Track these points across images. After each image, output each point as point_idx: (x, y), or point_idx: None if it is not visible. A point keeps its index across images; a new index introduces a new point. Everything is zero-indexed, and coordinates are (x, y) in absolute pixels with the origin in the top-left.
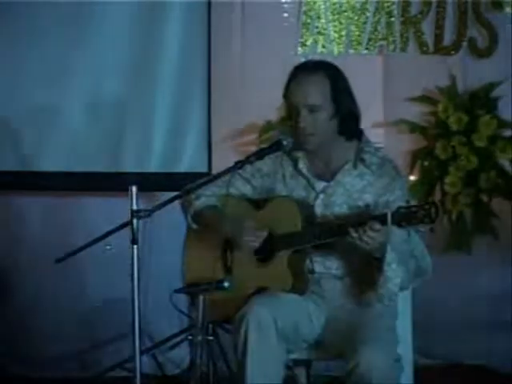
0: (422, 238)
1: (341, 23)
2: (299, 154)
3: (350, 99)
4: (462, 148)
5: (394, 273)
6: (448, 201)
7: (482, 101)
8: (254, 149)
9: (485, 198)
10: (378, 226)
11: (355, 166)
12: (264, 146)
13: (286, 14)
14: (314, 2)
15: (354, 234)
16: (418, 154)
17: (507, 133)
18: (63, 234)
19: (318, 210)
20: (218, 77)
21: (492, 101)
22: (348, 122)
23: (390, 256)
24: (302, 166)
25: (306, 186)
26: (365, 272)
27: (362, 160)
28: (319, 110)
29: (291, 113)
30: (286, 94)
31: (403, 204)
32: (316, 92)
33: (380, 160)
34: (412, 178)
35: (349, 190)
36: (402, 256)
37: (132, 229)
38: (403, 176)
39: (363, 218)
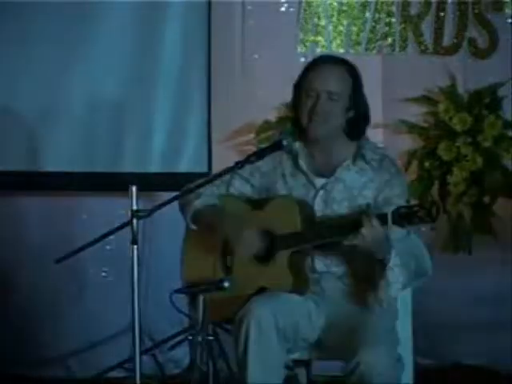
0: (421, 238)
1: (340, 23)
2: (299, 151)
3: (364, 101)
4: (467, 148)
5: (395, 277)
6: (449, 201)
7: (486, 101)
8: (253, 148)
9: (487, 199)
10: (378, 225)
11: (355, 163)
12: (263, 145)
13: (285, 14)
14: (314, 2)
15: (354, 234)
16: (415, 154)
17: (510, 133)
18: (63, 234)
19: (318, 207)
20: (217, 77)
21: (497, 101)
22: (358, 122)
23: (393, 260)
24: (301, 162)
25: (305, 183)
26: (365, 272)
27: (362, 156)
28: (337, 99)
29: (304, 100)
30: (303, 81)
31: (403, 201)
32: (339, 81)
33: (380, 156)
34: (411, 178)
35: (349, 187)
36: (404, 259)
37: (132, 229)
38: (403, 173)
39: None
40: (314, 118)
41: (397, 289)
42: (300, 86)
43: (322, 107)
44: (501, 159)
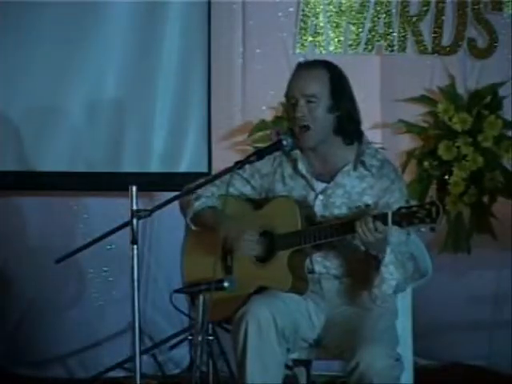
0: (421, 238)
1: (339, 23)
2: (298, 155)
3: (350, 99)
4: (468, 148)
5: (390, 274)
6: (449, 201)
7: (486, 101)
8: (253, 149)
9: (486, 199)
10: (379, 225)
11: (355, 168)
12: (258, 145)
13: (284, 14)
14: (313, 2)
15: (358, 229)
16: (414, 154)
17: (510, 133)
18: (63, 233)
19: (318, 210)
20: (218, 77)
21: (497, 101)
22: (346, 120)
23: (388, 257)
24: (301, 166)
25: (305, 186)
26: (365, 272)
27: (362, 162)
28: (316, 101)
29: (288, 111)
30: (287, 90)
31: (403, 205)
32: (314, 83)
33: (380, 162)
34: (409, 177)
35: (348, 192)
36: (400, 258)
37: (132, 229)
38: (403, 178)
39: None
40: (297, 124)
41: (391, 286)
42: (286, 97)
43: (302, 112)
44: (500, 159)
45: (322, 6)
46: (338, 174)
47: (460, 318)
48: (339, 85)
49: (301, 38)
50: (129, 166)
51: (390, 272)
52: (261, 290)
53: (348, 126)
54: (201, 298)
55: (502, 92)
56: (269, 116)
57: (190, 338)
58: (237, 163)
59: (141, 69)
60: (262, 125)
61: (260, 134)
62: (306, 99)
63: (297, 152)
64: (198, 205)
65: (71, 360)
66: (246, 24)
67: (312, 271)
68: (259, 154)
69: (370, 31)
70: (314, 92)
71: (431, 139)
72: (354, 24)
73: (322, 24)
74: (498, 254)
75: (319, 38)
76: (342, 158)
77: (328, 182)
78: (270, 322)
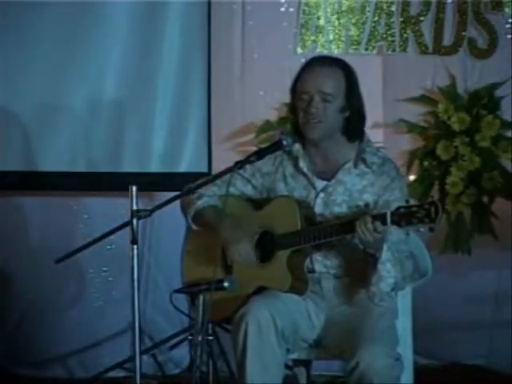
0: (421, 238)
1: (340, 23)
2: (299, 152)
3: (360, 100)
4: (465, 148)
5: (387, 272)
6: (448, 201)
7: (484, 101)
8: (253, 149)
9: (486, 199)
10: (378, 225)
11: (356, 166)
12: (263, 145)
13: (285, 14)
14: (314, 2)
15: (358, 229)
16: (416, 154)
17: (509, 133)
18: (63, 233)
19: (318, 208)
20: (218, 77)
21: (494, 101)
22: (355, 121)
23: (385, 255)
24: (302, 164)
25: (306, 184)
26: (364, 272)
27: (363, 160)
28: (332, 100)
29: (299, 103)
30: (297, 84)
31: (403, 203)
32: (331, 82)
33: (381, 160)
34: (411, 177)
35: (349, 190)
36: (398, 256)
37: (132, 229)
38: (403, 177)
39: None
40: (309, 119)
41: (389, 283)
42: (295, 90)
43: (317, 108)
44: (498, 159)
45: (322, 7)
46: (338, 171)
47: (460, 318)
48: (353, 86)
49: (301, 38)
50: (129, 166)
51: (387, 270)
52: (260, 290)
53: (356, 126)
54: (201, 298)
55: (501, 92)
56: (269, 116)
57: (190, 338)
58: (237, 163)
59: (141, 69)
60: (267, 126)
61: (264, 134)
62: (322, 97)
63: (298, 149)
64: (199, 204)
65: (71, 360)
66: (246, 24)
67: (312, 270)
68: (259, 154)
69: (370, 31)
70: (331, 91)
71: (431, 139)
72: (354, 24)
73: (322, 24)
74: (498, 253)
75: (320, 38)
76: (344, 156)
77: (329, 180)
78: (269, 323)
